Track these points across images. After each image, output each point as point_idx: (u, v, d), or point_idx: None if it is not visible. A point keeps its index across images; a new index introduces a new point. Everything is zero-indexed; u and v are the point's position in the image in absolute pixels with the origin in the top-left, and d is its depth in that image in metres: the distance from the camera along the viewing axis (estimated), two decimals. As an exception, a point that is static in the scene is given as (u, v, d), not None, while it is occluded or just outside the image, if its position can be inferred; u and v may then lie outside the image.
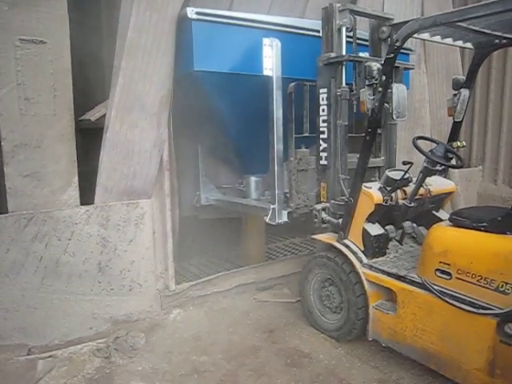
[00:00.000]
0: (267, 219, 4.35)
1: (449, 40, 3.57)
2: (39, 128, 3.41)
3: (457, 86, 3.78)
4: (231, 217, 5.90)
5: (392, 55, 3.14)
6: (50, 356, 3.47)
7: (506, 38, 3.41)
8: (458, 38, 3.55)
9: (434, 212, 3.91)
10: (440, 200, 3.91)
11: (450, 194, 3.94)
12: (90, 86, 4.84)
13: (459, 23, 2.96)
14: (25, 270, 3.43)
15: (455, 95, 3.79)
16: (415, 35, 3.19)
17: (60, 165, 3.54)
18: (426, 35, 3.41)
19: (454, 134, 3.93)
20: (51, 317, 3.57)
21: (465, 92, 3.74)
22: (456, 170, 5.05)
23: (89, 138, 4.34)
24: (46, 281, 3.51)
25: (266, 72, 4.04)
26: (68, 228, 3.56)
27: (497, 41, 3.48)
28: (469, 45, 3.71)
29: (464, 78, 3.81)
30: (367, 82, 3.39)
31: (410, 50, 4.91)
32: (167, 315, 4.13)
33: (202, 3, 4.11)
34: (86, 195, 3.77)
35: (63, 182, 3.56)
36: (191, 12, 3.66)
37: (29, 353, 3.46)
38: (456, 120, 3.85)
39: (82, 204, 3.71)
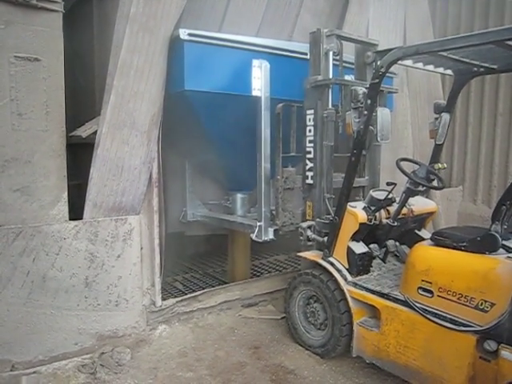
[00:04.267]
0: (254, 236, 4.42)
1: (430, 67, 3.72)
2: (31, 143, 3.44)
3: (438, 110, 3.93)
4: (217, 233, 5.96)
5: (377, 80, 3.27)
6: (34, 372, 3.47)
7: (483, 66, 3.59)
8: (438, 65, 3.70)
9: (416, 231, 4.02)
10: (422, 219, 4.03)
11: (431, 213, 4.06)
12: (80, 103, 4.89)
13: (440, 52, 3.11)
14: (11, 284, 3.41)
15: (436, 119, 3.94)
16: (399, 62, 3.33)
17: (50, 180, 3.55)
18: (409, 62, 3.56)
19: (436, 156, 4.07)
20: (36, 332, 3.55)
21: (446, 116, 3.89)
22: (437, 190, 5.19)
23: (77, 153, 4.38)
24: (32, 295, 3.50)
25: (255, 92, 4.17)
26: (56, 243, 3.56)
27: (475, 69, 3.65)
28: (449, 72, 3.87)
29: (445, 102, 3.97)
30: (353, 105, 3.51)
31: (394, 73, 5.08)
32: (153, 331, 4.14)
33: (193, 24, 4.22)
34: (73, 208, 3.79)
35: (53, 197, 3.58)
36: (183, 33, 3.76)
37: (12, 369, 3.44)
38: (437, 143, 4.00)
39: (69, 218, 3.73)
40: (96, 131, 3.84)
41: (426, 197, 4.18)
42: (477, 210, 6.37)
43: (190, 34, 3.79)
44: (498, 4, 6.05)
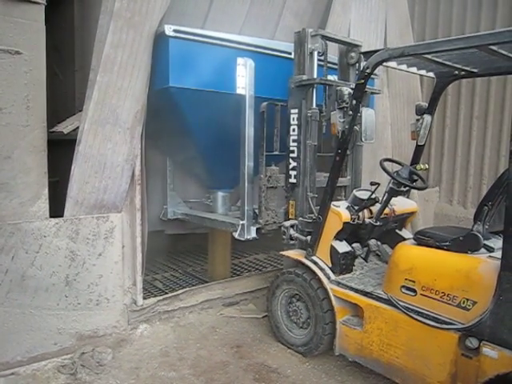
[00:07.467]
0: (236, 235, 4.41)
1: (413, 69, 3.77)
2: (10, 138, 3.33)
3: (420, 111, 3.98)
4: (196, 232, 5.91)
5: (362, 81, 3.30)
6: (12, 373, 3.39)
7: (464, 70, 3.67)
8: (421, 68, 3.76)
9: (397, 231, 4.08)
10: (403, 219, 4.09)
11: (412, 213, 4.12)
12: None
13: (425, 55, 3.17)
14: (-11, 283, 3.32)
15: (418, 120, 3.99)
16: (383, 63, 3.36)
17: (30, 176, 3.46)
18: (393, 63, 3.60)
19: (417, 157, 4.13)
20: (14, 332, 3.45)
21: (427, 118, 3.94)
22: (415, 191, 5.27)
23: (54, 149, 4.26)
24: (10, 294, 3.40)
25: (239, 91, 4.14)
26: (36, 241, 3.47)
27: (456, 72, 3.74)
28: (431, 74, 3.94)
29: (426, 104, 4.03)
30: (338, 106, 3.53)
31: (376, 74, 5.13)
32: (134, 330, 4.09)
33: (176, 22, 4.17)
34: (50, 206, 3.70)
35: (33, 194, 3.48)
36: (169, 29, 3.72)
37: (-11, 370, 3.35)
38: (419, 144, 4.06)
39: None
40: (77, 127, 3.76)
41: (407, 197, 4.23)
42: (453, 211, 6.51)
43: (175, 31, 3.75)
44: (474, 8, 6.18)
